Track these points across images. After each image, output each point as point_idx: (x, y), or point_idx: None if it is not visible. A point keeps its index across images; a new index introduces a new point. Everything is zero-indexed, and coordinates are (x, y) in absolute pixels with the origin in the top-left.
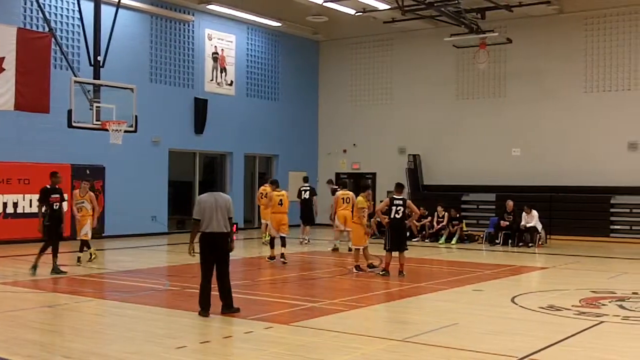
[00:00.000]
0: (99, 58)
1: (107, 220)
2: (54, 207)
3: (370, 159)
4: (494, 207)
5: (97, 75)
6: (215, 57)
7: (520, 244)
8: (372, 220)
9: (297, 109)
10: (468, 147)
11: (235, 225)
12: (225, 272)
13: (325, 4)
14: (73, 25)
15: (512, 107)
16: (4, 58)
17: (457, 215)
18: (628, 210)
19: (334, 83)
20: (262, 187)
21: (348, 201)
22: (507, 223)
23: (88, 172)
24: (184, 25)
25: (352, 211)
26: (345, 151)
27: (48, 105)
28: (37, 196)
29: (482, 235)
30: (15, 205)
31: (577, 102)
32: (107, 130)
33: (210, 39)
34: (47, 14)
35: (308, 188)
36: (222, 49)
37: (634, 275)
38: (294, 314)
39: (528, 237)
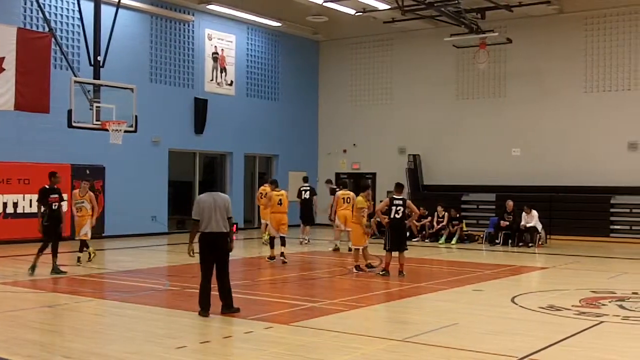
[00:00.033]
0: (99, 58)
1: (107, 220)
2: (53, 207)
3: (370, 159)
4: (494, 207)
5: (97, 75)
6: (215, 57)
7: (520, 244)
8: (372, 220)
9: (297, 109)
10: (468, 147)
11: (235, 225)
12: (225, 272)
13: (325, 4)
14: (73, 25)
15: (512, 107)
16: (4, 58)
17: (457, 215)
18: (628, 210)
19: (334, 83)
20: (261, 187)
21: (349, 201)
22: (507, 223)
23: (88, 172)
24: (184, 25)
25: (352, 211)
26: (345, 151)
27: (48, 105)
28: (37, 196)
29: (482, 235)
30: (15, 205)
31: (577, 102)
32: (107, 130)
33: (210, 39)
34: (47, 14)
35: (308, 188)
36: (222, 49)
37: (634, 275)
38: (294, 314)
39: (528, 237)
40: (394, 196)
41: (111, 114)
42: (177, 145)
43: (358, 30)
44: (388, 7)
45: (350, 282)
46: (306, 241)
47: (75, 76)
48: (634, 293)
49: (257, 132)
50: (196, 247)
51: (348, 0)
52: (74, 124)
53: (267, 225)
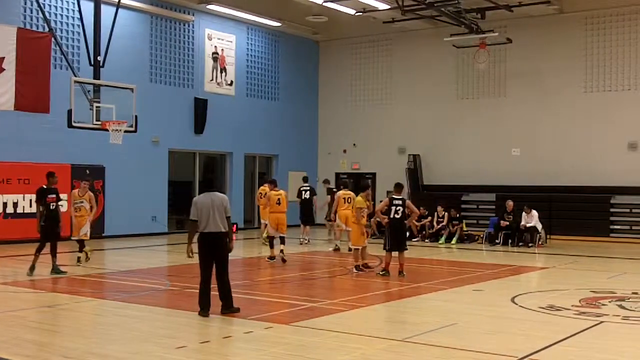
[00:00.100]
0: (99, 58)
1: (107, 220)
2: (51, 207)
3: (370, 159)
4: (494, 207)
5: (97, 75)
6: (215, 57)
7: (520, 244)
8: (372, 220)
9: (297, 109)
10: (468, 147)
11: (235, 225)
12: (225, 272)
13: (325, 4)
14: (73, 25)
15: (512, 107)
16: (4, 58)
17: (457, 215)
18: (628, 210)
19: (334, 83)
20: (261, 187)
21: (349, 201)
22: (507, 223)
23: (88, 172)
24: (184, 25)
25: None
26: (345, 151)
27: (48, 105)
28: (35, 196)
29: (482, 235)
30: (15, 205)
31: (577, 102)
32: (107, 130)
33: (210, 39)
34: (47, 14)
35: (308, 188)
36: (222, 49)
37: (634, 275)
38: (294, 314)
39: (528, 237)
40: (394, 196)
41: (111, 114)
42: (177, 145)
43: (358, 30)
44: (388, 7)
45: (350, 282)
46: (306, 241)
47: (75, 76)
48: (634, 293)
49: (257, 132)
50: (195, 247)
51: (348, 0)
52: (74, 124)
53: (266, 225)
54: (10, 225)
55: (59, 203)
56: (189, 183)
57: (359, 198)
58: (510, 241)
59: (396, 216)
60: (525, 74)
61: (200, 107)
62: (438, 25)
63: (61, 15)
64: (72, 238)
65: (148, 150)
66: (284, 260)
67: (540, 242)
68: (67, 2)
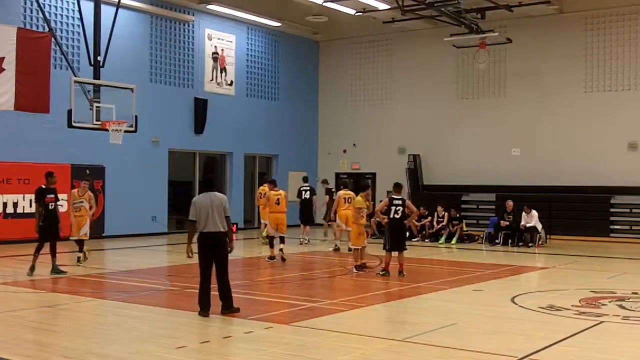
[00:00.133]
0: (99, 58)
1: (107, 220)
2: (50, 207)
3: (370, 159)
4: (494, 207)
5: (97, 75)
6: (215, 57)
7: (520, 244)
8: (371, 220)
9: (297, 109)
10: (468, 147)
11: (235, 225)
12: (225, 272)
13: (325, 4)
14: (73, 25)
15: (512, 107)
16: (4, 58)
17: (457, 215)
18: (628, 210)
19: (334, 83)
20: (261, 187)
21: (350, 201)
22: (507, 223)
23: (88, 172)
24: (184, 25)
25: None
26: (345, 151)
27: (48, 105)
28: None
29: (482, 235)
30: (15, 205)
31: (577, 102)
32: (107, 130)
33: (210, 39)
34: (47, 14)
35: (308, 188)
36: (222, 49)
37: (634, 275)
38: (294, 314)
39: (528, 237)
40: (393, 196)
41: (111, 114)
42: (177, 145)
43: (358, 30)
44: (388, 7)
45: (350, 282)
46: (306, 241)
47: (75, 76)
48: (634, 293)
49: (257, 132)
50: (195, 247)
51: (348, 0)
52: (74, 124)
53: (266, 225)
54: (10, 225)
55: (58, 203)
56: (189, 183)
57: (358, 198)
58: (510, 241)
59: (396, 216)
60: (525, 74)
61: (200, 107)
62: (438, 25)
63: (61, 15)
64: (71, 238)
65: (148, 150)
66: (283, 259)
67: (540, 242)
68: (67, 2)
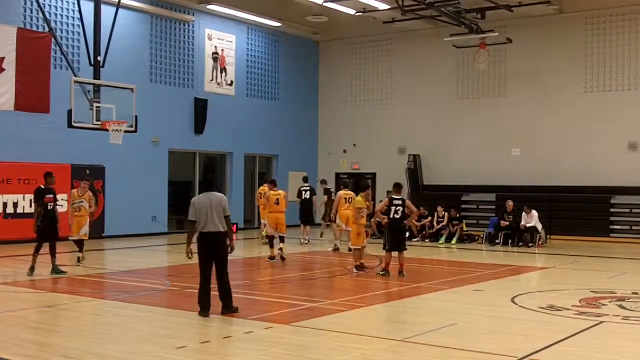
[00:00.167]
0: (99, 58)
1: (107, 220)
2: (48, 207)
3: (370, 159)
4: (494, 207)
5: (97, 75)
6: (215, 57)
7: (520, 244)
8: (371, 220)
9: (297, 109)
10: (468, 147)
11: (235, 225)
12: (225, 272)
13: (325, 4)
14: (73, 25)
15: (512, 107)
16: (4, 58)
17: (457, 215)
18: (628, 210)
19: (334, 83)
20: (261, 187)
21: (350, 201)
22: (507, 223)
23: (88, 172)
24: (184, 25)
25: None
26: (345, 151)
27: (48, 105)
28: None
29: (482, 235)
30: (15, 205)
31: (577, 102)
32: (107, 130)
33: (210, 39)
34: (47, 14)
35: (308, 188)
36: (222, 49)
37: (634, 275)
38: (294, 314)
39: (528, 237)
40: (393, 196)
41: (111, 114)
42: (177, 145)
43: (358, 30)
44: (388, 7)
45: (350, 282)
46: (306, 241)
47: (75, 76)
48: (634, 293)
49: (257, 132)
50: (194, 248)
51: (348, 0)
52: (74, 124)
53: (265, 224)
54: (10, 225)
55: (58, 203)
56: (189, 183)
57: (358, 198)
58: (510, 241)
59: (396, 216)
60: (525, 74)
61: (200, 107)
62: (438, 25)
63: (61, 15)
64: (70, 238)
65: (148, 150)
66: (283, 259)
67: (540, 242)
68: (67, 2)
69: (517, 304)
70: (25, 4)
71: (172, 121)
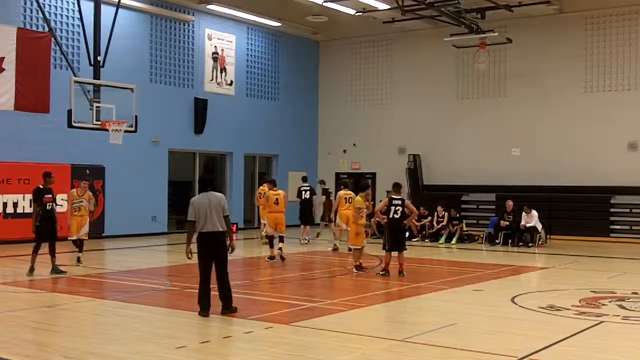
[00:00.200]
0: (99, 58)
1: (107, 220)
2: (47, 207)
3: (370, 159)
4: (494, 207)
5: (97, 75)
6: (215, 57)
7: (520, 244)
8: (371, 220)
9: (297, 109)
10: (468, 147)
11: (234, 225)
12: (224, 272)
13: (325, 4)
14: (73, 25)
15: (512, 107)
16: (4, 58)
17: (457, 215)
18: (628, 210)
19: (334, 83)
20: (260, 187)
21: (350, 201)
22: (507, 223)
23: (88, 172)
24: (184, 25)
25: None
26: (345, 151)
27: (48, 105)
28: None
29: (482, 235)
30: (15, 205)
31: (577, 102)
32: (107, 130)
33: (210, 39)
34: (47, 14)
35: (308, 188)
36: (222, 49)
37: (634, 275)
38: (294, 314)
39: (528, 237)
40: (393, 196)
41: (111, 114)
42: (177, 145)
43: (358, 30)
44: (388, 7)
45: (350, 282)
46: (306, 241)
47: (75, 76)
48: (634, 293)
49: (257, 132)
50: (194, 248)
51: (348, 0)
52: (74, 124)
53: (265, 224)
54: (10, 225)
55: (57, 203)
56: (189, 183)
57: (358, 198)
58: (510, 241)
59: (395, 216)
60: (525, 74)
61: (200, 107)
62: (438, 25)
63: (61, 15)
64: (70, 238)
65: (148, 150)
66: (282, 259)
67: (540, 242)
68: (67, 2)
69: (517, 304)
70: (25, 4)
71: (172, 121)
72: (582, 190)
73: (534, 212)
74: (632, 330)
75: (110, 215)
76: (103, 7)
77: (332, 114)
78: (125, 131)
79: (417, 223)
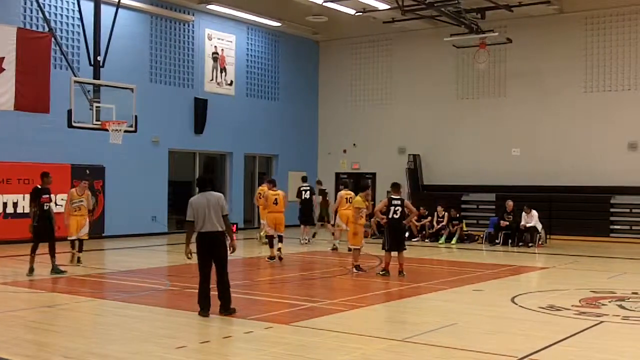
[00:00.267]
0: (99, 58)
1: (107, 220)
2: (44, 207)
3: (370, 159)
4: (494, 207)
5: (97, 75)
6: (215, 57)
7: (520, 244)
8: (371, 220)
9: (297, 109)
10: (468, 147)
11: (234, 225)
12: (224, 272)
13: (325, 4)
14: (73, 25)
15: (512, 107)
16: (4, 58)
17: (457, 215)
18: (628, 210)
19: (334, 83)
20: (260, 187)
21: (351, 201)
22: (507, 223)
23: (88, 172)
24: (184, 25)
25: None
26: (345, 151)
27: (48, 105)
28: (29, 196)
29: (482, 235)
30: (15, 205)
31: (577, 102)
32: (107, 130)
33: (210, 39)
34: (47, 14)
35: (308, 188)
36: (222, 49)
37: (634, 275)
38: (294, 314)
39: (528, 237)
40: (392, 196)
41: (111, 114)
42: (177, 145)
43: (358, 30)
44: (388, 7)
45: (350, 282)
46: (306, 241)
47: (75, 76)
48: (634, 293)
49: (257, 132)
50: (193, 248)
51: (348, 0)
52: (74, 124)
53: (264, 225)
54: (10, 225)
55: (57, 204)
56: (189, 183)
57: (357, 198)
58: (510, 241)
59: (395, 216)
60: (525, 74)
61: (200, 107)
62: (438, 25)
63: (61, 15)
64: (69, 238)
65: (148, 150)
66: (280, 259)
67: (540, 242)
68: (67, 2)
69: (517, 304)
70: (25, 4)
71: (172, 121)
72: (582, 190)
73: (534, 212)
74: (632, 330)
75: (110, 215)
76: (103, 7)
77: (332, 114)
78: (125, 131)
79: (417, 223)
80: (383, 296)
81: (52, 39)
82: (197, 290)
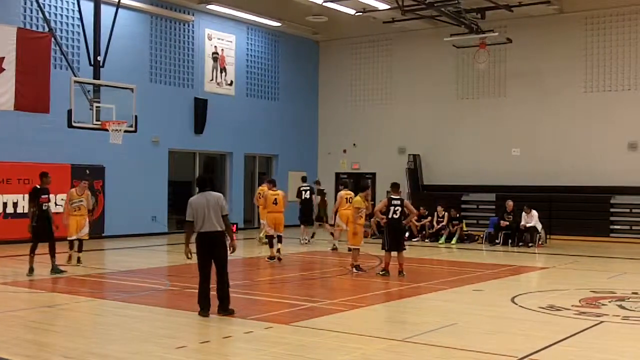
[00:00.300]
0: (99, 58)
1: (107, 220)
2: (43, 207)
3: (370, 159)
4: (494, 207)
5: (97, 75)
6: (215, 57)
7: (520, 244)
8: (371, 220)
9: (297, 109)
10: (468, 147)
11: (234, 225)
12: (224, 272)
13: (325, 4)
14: (73, 25)
15: (512, 107)
16: (4, 58)
17: (457, 215)
18: (628, 210)
19: (334, 83)
20: (260, 187)
21: (350, 201)
22: (507, 223)
23: (88, 172)
24: (184, 25)
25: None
26: (345, 151)
27: (48, 105)
28: (28, 196)
29: (482, 235)
30: (15, 205)
31: (577, 102)
32: (107, 130)
33: (210, 39)
34: (47, 14)
35: (308, 188)
36: (222, 49)
37: (634, 275)
38: (294, 314)
39: (528, 237)
40: (392, 196)
41: (111, 114)
42: (177, 145)
43: (358, 30)
44: (388, 7)
45: (350, 282)
46: (306, 241)
47: (75, 76)
48: (634, 293)
49: (257, 132)
50: (193, 248)
51: (348, 0)
52: (74, 124)
53: (263, 225)
54: (10, 225)
55: (58, 204)
56: (189, 183)
57: (357, 198)
58: (510, 241)
59: (394, 216)
60: (525, 74)
61: (200, 107)
62: (438, 25)
63: (61, 15)
64: (69, 238)
65: (148, 150)
66: (279, 259)
67: (540, 242)
68: (67, 2)
69: (517, 304)
70: (25, 4)
71: (172, 121)
72: (582, 190)
73: (534, 212)
74: (632, 330)
75: (110, 215)
76: (103, 7)
77: (332, 114)
78: (125, 131)
79: (417, 223)
80: (383, 296)
81: (52, 39)
82: (197, 291)
